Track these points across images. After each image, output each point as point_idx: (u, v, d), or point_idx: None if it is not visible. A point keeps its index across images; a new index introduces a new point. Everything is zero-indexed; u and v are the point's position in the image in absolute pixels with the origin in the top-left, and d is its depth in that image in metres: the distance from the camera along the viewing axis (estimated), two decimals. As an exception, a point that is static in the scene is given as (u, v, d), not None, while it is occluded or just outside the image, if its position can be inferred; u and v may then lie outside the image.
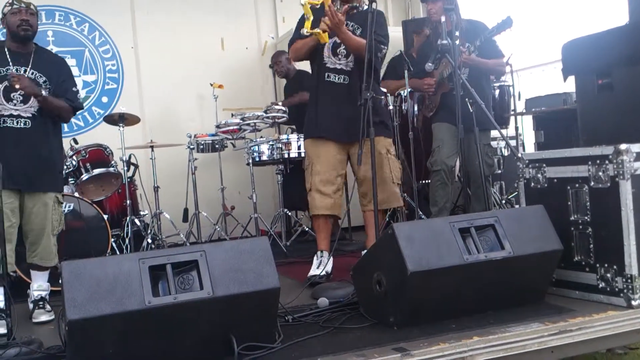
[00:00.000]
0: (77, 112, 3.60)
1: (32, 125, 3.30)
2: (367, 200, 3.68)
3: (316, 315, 2.73)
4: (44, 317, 3.22)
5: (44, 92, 3.27)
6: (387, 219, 5.13)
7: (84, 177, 4.66)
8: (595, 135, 3.56)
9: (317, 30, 3.44)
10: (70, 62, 5.88)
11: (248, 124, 5.29)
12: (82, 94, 5.83)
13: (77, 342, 2.10)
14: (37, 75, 3.34)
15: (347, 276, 2.96)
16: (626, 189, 2.50)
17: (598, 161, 2.61)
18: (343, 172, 3.76)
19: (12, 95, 3.26)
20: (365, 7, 3.66)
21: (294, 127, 5.73)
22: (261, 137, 5.43)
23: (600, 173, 2.60)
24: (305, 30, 3.48)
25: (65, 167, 4.58)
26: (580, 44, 3.83)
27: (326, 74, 3.68)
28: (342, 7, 3.64)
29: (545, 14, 7.00)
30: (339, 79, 3.67)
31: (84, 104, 5.85)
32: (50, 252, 3.38)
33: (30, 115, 3.29)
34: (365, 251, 3.26)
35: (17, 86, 3.16)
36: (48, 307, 3.29)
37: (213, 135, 5.52)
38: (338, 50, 3.66)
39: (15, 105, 3.27)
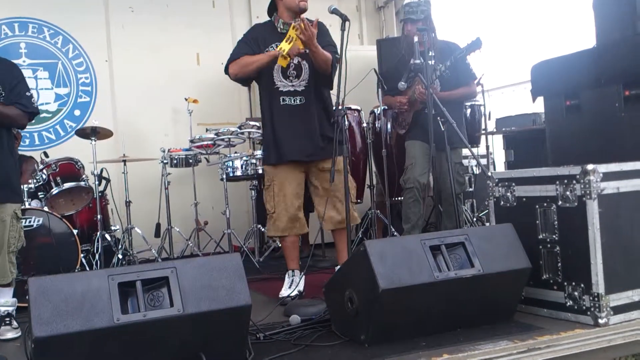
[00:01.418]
0: (34, 117, 3.44)
1: None
2: (331, 219, 3.66)
3: (288, 333, 2.72)
4: (10, 334, 3.15)
5: None
6: (360, 236, 5.18)
7: (54, 191, 4.60)
8: (563, 156, 3.64)
9: (285, 52, 3.42)
10: (43, 74, 5.85)
11: (222, 139, 5.28)
12: (54, 106, 5.84)
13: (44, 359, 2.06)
14: None
15: (320, 293, 2.96)
16: (593, 208, 2.56)
17: (566, 181, 2.66)
18: (302, 191, 3.75)
19: None
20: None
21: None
22: (235, 152, 5.42)
23: (568, 192, 2.66)
24: (283, 51, 3.43)
25: (34, 180, 4.51)
26: (549, 66, 3.92)
27: (281, 98, 3.64)
28: (285, 25, 3.63)
29: (516, 35, 7.14)
30: (294, 100, 3.64)
31: (56, 117, 5.86)
32: (5, 269, 3.27)
33: None
34: (338, 268, 3.27)
35: None
36: (15, 323, 3.22)
37: (187, 150, 5.49)
38: (288, 72, 3.64)
39: None
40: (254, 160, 5.14)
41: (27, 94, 3.36)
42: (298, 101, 3.65)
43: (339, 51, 3.37)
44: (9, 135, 3.39)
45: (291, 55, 3.48)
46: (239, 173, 5.23)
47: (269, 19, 3.81)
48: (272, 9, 3.78)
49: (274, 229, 3.68)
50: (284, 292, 3.57)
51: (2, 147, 3.30)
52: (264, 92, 3.75)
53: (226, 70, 3.75)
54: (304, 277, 3.64)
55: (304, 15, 3.65)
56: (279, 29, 3.68)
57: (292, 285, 3.59)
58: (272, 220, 3.67)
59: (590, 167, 2.58)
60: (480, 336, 2.48)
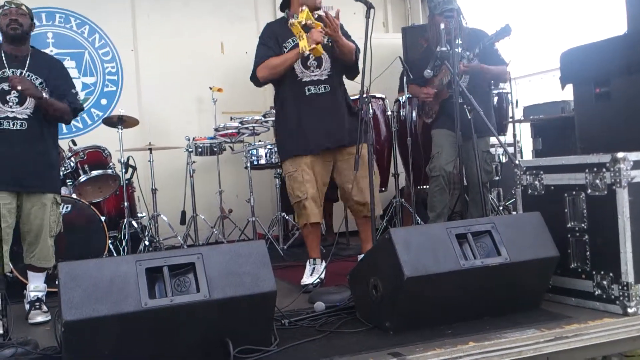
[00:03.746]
0: (78, 114, 3.60)
1: (28, 126, 3.30)
2: (363, 207, 3.66)
3: (312, 319, 2.73)
4: (40, 318, 3.22)
5: (44, 94, 3.27)
6: (385, 224, 5.16)
7: (82, 178, 4.66)
8: (592, 143, 3.58)
9: (313, 45, 3.41)
10: (70, 64, 5.90)
11: (247, 128, 5.29)
12: (81, 95, 5.89)
13: (73, 343, 2.10)
14: (34, 78, 3.35)
15: (344, 281, 2.97)
16: (623, 196, 2.51)
17: (595, 169, 2.62)
18: (328, 180, 3.74)
19: (7, 97, 3.26)
20: (316, 16, 3.64)
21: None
22: (259, 141, 5.44)
23: (598, 181, 2.61)
24: (305, 49, 3.40)
25: (63, 168, 4.59)
26: (579, 53, 3.85)
27: (306, 88, 3.61)
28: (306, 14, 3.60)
29: (544, 22, 7.03)
30: (319, 89, 3.62)
31: (84, 106, 5.91)
32: (48, 253, 3.37)
33: (26, 116, 3.29)
34: (362, 256, 3.27)
35: (18, 87, 3.16)
36: (44, 308, 3.29)
37: (212, 138, 5.53)
38: (309, 63, 3.62)
39: (11, 107, 3.27)
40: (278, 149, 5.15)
41: (73, 90, 3.51)
42: (323, 89, 3.64)
43: (359, 39, 3.36)
44: (55, 129, 3.52)
45: (318, 41, 3.44)
46: (263, 161, 5.25)
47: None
48: (285, 5, 3.77)
49: (304, 217, 3.63)
50: (306, 279, 3.58)
51: (47, 140, 3.43)
52: (286, 86, 3.70)
53: (253, 77, 3.73)
54: (325, 265, 3.64)
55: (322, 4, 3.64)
56: None
57: (314, 273, 3.60)
58: (302, 208, 3.63)
59: (620, 155, 2.53)
60: (506, 324, 2.46)
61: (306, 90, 3.63)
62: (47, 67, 3.44)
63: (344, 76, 3.79)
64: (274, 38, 3.68)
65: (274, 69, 3.63)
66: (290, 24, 3.41)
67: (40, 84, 3.36)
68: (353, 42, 3.64)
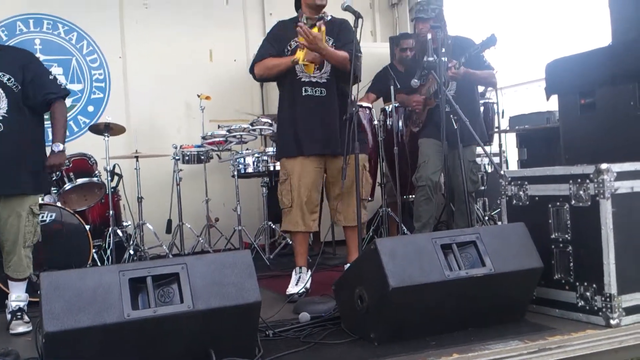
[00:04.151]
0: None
1: (4, 127, 3.22)
2: (344, 216, 3.67)
3: (297, 330, 2.71)
4: (21, 329, 3.17)
5: (60, 148, 3.37)
6: (371, 234, 5.16)
7: (67, 186, 4.62)
8: (577, 154, 3.61)
9: (307, 62, 3.44)
10: (57, 70, 5.87)
11: (234, 136, 5.28)
12: (68, 102, 5.76)
13: (55, 354, 2.07)
14: (0, 75, 3.25)
15: (330, 291, 2.96)
16: (606, 208, 2.53)
17: (579, 180, 2.64)
18: (321, 187, 3.74)
19: None
20: (329, 17, 3.66)
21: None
22: (247, 149, 5.43)
23: (581, 192, 2.63)
24: (299, 60, 3.43)
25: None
26: (564, 64, 3.88)
27: (303, 89, 3.62)
28: (308, 20, 3.60)
29: (530, 32, 7.09)
30: (316, 91, 3.63)
31: (70, 113, 5.88)
32: (23, 264, 3.31)
33: (0, 117, 3.22)
34: (348, 266, 3.27)
35: (63, 167, 3.43)
36: (26, 318, 3.24)
37: (199, 146, 5.50)
38: None
39: None
40: (265, 157, 5.15)
41: (51, 77, 3.43)
42: (319, 92, 3.63)
43: (358, 48, 3.37)
44: (39, 129, 3.46)
45: (314, 62, 3.49)
46: (250, 170, 5.24)
47: (290, 15, 3.80)
48: (298, 4, 3.77)
49: (288, 224, 3.65)
50: (291, 289, 3.56)
51: (27, 141, 3.35)
52: (286, 83, 3.73)
53: (251, 71, 3.76)
54: (310, 274, 3.63)
55: (326, 10, 3.65)
56: None
57: (300, 283, 3.59)
58: (287, 214, 3.64)
59: (604, 166, 2.55)
60: (491, 336, 2.46)
61: (303, 91, 3.63)
62: (14, 62, 3.33)
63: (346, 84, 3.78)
64: (280, 37, 3.69)
65: (268, 70, 3.68)
66: (300, 27, 3.40)
67: (9, 79, 3.27)
68: (353, 50, 3.52)
